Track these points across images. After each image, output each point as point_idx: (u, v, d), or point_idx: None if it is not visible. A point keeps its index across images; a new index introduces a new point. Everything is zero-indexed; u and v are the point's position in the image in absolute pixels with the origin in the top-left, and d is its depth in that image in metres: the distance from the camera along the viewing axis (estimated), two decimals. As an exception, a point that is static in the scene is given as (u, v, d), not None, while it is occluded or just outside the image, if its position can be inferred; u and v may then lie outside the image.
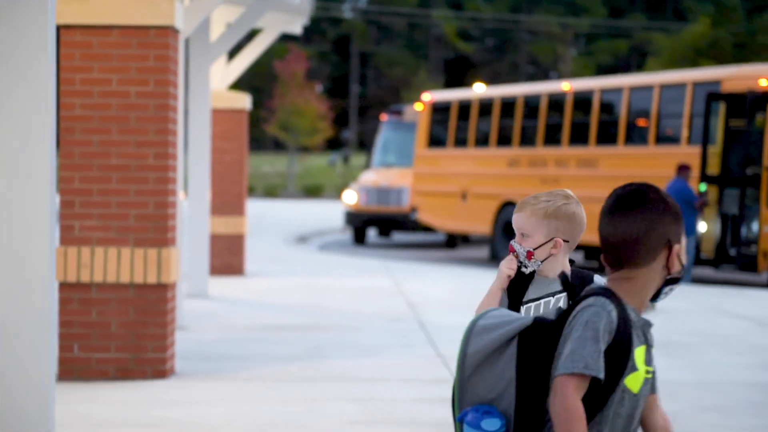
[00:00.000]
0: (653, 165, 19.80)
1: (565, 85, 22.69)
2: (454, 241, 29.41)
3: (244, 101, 17.68)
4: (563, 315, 3.27)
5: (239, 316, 13.09)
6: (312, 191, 60.60)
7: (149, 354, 9.07)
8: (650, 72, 32.92)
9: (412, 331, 12.17)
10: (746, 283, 20.14)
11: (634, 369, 3.22)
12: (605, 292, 3.23)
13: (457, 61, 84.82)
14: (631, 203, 3.25)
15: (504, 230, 23.06)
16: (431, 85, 66.35)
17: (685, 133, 19.79)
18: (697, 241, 18.59)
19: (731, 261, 19.04)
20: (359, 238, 29.78)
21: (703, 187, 18.61)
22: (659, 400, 3.46)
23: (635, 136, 21.05)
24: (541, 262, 4.02)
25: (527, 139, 22.95)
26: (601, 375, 3.13)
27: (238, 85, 48.92)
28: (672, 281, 3.29)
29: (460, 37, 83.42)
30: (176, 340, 9.97)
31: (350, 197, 29.04)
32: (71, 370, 9.03)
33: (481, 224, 23.79)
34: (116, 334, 9.04)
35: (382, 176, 28.97)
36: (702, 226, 18.94)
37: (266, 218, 37.40)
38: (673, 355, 10.86)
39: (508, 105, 23.57)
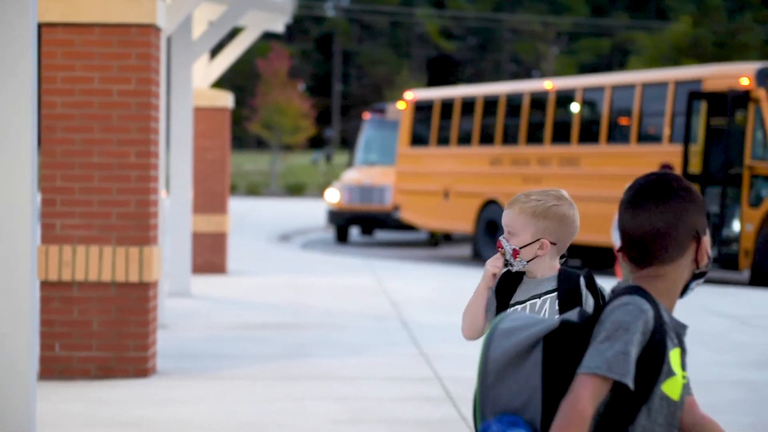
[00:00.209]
0: (635, 164, 19.82)
1: (548, 84, 22.71)
2: (436, 239, 29.42)
3: (226, 99, 17.66)
4: (593, 316, 2.96)
5: (221, 315, 13.06)
6: (294, 190, 60.57)
7: (131, 353, 9.04)
8: (632, 71, 32.97)
9: (395, 329, 12.17)
10: (728, 281, 20.19)
11: (671, 374, 2.92)
12: (639, 291, 2.92)
13: (440, 60, 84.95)
14: (656, 194, 2.96)
15: (486, 229, 23.08)
16: (414, 84, 66.36)
17: (666, 131, 19.82)
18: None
19: (713, 260, 19.10)
20: (342, 237, 29.75)
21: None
22: (695, 399, 3.21)
23: (617, 134, 21.08)
24: (527, 262, 3.92)
25: (509, 138, 22.96)
26: (628, 380, 2.81)
27: (221, 83, 48.88)
28: (699, 275, 3.02)
29: (442, 35, 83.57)
30: (158, 339, 9.95)
31: (333, 196, 29.01)
32: (52, 369, 9.00)
33: (463, 223, 23.79)
34: (98, 333, 9.01)
35: (364, 175, 28.94)
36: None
37: (249, 216, 37.37)
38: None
39: (490, 104, 23.58)
